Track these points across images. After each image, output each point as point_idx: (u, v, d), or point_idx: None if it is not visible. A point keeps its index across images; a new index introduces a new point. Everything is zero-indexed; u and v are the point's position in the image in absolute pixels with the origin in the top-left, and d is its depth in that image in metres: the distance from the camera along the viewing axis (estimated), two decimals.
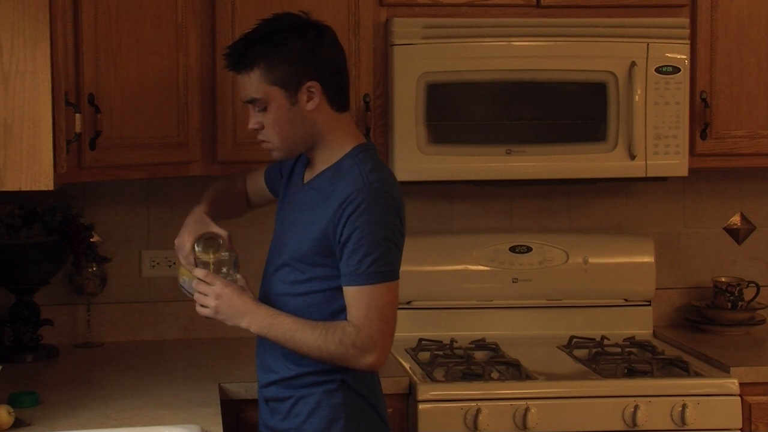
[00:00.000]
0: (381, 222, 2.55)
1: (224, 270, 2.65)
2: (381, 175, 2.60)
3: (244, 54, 2.60)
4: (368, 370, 2.61)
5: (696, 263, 3.88)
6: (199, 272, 2.63)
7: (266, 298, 2.71)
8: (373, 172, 2.59)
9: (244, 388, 3.01)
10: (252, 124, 2.64)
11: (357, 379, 2.66)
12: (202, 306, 2.63)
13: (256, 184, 2.97)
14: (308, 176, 2.71)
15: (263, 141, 2.65)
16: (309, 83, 2.58)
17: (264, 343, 2.71)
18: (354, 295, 2.56)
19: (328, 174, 2.63)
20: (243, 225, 3.62)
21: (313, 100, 2.59)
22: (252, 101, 2.61)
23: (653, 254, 3.73)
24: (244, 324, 2.61)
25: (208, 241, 2.68)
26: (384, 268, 2.55)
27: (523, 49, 3.38)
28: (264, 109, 2.61)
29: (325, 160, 2.65)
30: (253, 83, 2.59)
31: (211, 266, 2.65)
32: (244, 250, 3.49)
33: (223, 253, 2.67)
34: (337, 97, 2.63)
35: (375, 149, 2.69)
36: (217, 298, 2.60)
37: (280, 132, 2.61)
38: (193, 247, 2.67)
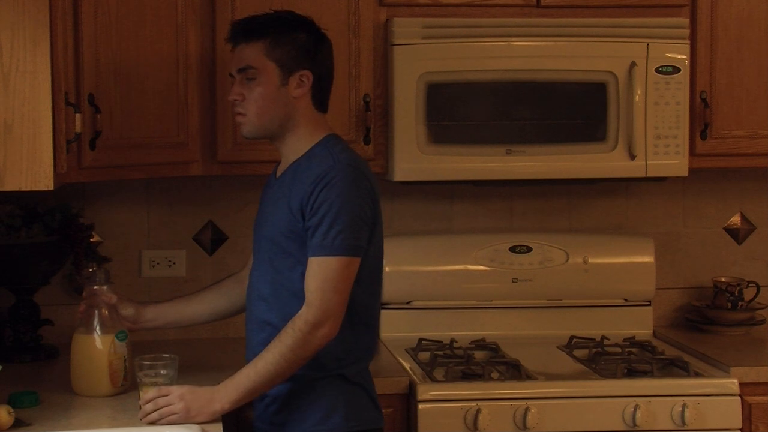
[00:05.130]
0: (350, 196, 2.63)
1: (163, 372, 2.71)
2: (351, 155, 2.72)
3: (255, 25, 2.73)
4: (323, 342, 2.61)
5: (696, 263, 3.88)
6: (151, 394, 2.64)
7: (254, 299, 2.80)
8: (344, 153, 2.71)
9: None
10: (234, 95, 2.75)
11: (356, 373, 2.73)
12: (171, 415, 2.60)
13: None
14: (280, 170, 2.81)
15: (239, 113, 2.75)
16: (303, 72, 2.72)
17: (259, 341, 2.74)
18: (314, 267, 2.61)
19: (300, 162, 2.73)
20: (245, 225, 3.62)
21: (301, 88, 2.72)
22: (245, 69, 2.72)
23: (653, 254, 3.73)
24: (217, 406, 2.61)
25: (143, 363, 2.74)
26: (348, 243, 2.61)
27: (523, 49, 3.38)
28: (252, 81, 2.71)
29: (295, 150, 2.75)
30: (253, 52, 2.71)
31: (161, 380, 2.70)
32: (245, 251, 3.50)
33: (160, 367, 2.72)
34: (321, 96, 2.77)
35: (343, 141, 2.80)
36: (181, 399, 2.61)
37: (261, 107, 2.71)
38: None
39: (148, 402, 2.63)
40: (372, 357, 2.83)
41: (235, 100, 2.74)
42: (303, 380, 2.70)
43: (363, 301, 2.73)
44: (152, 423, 2.60)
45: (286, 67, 2.71)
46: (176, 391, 2.63)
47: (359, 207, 2.64)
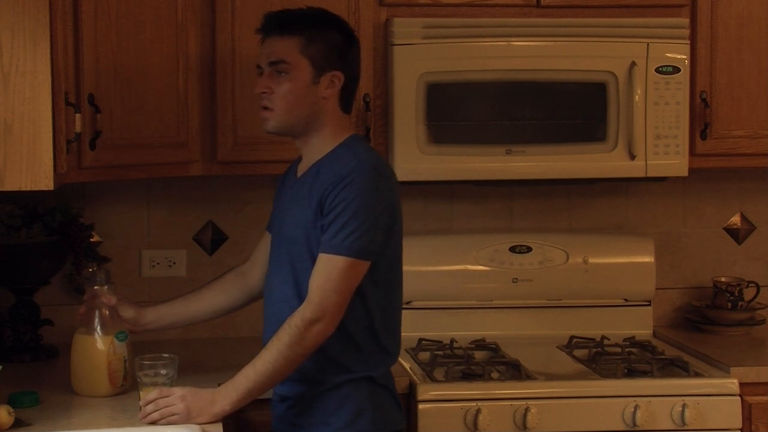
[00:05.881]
0: (369, 199, 2.62)
1: (162, 372, 2.71)
2: (374, 157, 2.71)
3: (291, 19, 2.71)
4: (319, 338, 2.60)
5: (696, 263, 3.88)
6: (153, 395, 2.65)
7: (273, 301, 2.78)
8: (367, 153, 2.70)
9: None
10: (262, 87, 2.71)
11: (381, 375, 2.74)
12: (171, 415, 2.60)
13: (262, 242, 2.98)
14: (301, 170, 2.78)
15: (265, 108, 2.71)
16: (335, 72, 2.70)
17: None
18: (320, 263, 2.61)
19: (323, 162, 2.70)
20: (245, 225, 3.62)
21: (332, 88, 2.70)
22: (277, 62, 2.68)
23: (653, 254, 3.73)
24: (218, 408, 2.61)
25: (143, 363, 2.74)
26: (357, 245, 2.60)
27: (523, 49, 3.38)
28: (283, 76, 2.68)
29: (318, 150, 2.73)
30: (287, 47, 2.68)
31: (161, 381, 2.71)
32: (245, 251, 3.50)
33: (160, 367, 2.73)
34: (348, 99, 2.76)
35: (366, 142, 2.79)
36: (182, 399, 2.61)
37: (290, 102, 2.69)
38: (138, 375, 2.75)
39: (149, 403, 2.62)
40: (395, 358, 2.81)
41: (263, 93, 2.71)
42: (329, 384, 2.70)
43: (381, 304, 2.73)
44: (152, 423, 2.60)
45: (318, 66, 2.68)
46: (178, 392, 2.63)
47: (376, 210, 2.62)
